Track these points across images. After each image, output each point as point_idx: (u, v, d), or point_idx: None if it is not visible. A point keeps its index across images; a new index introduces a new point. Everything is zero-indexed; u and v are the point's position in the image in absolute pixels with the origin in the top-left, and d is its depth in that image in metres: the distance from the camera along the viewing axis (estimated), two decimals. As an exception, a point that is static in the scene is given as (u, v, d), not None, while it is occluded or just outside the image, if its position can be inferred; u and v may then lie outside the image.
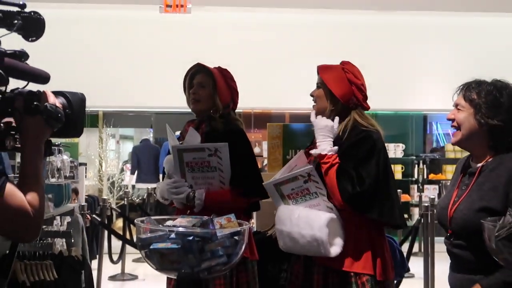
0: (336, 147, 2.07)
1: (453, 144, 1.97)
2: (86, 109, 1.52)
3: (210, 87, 2.48)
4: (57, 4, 6.32)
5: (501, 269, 1.73)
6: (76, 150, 6.54)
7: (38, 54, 1.54)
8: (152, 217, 1.67)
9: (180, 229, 1.53)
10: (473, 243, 1.80)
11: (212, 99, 2.48)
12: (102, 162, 6.85)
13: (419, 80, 7.45)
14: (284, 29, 7.14)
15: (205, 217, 1.61)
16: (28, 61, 1.43)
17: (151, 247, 1.50)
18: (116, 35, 7.07)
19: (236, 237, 1.53)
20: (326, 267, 2.16)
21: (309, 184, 2.12)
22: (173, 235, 1.49)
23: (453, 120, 1.90)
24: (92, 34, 7.00)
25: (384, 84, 6.68)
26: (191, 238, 1.48)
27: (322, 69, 2.26)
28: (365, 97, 2.27)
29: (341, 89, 2.19)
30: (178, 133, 2.63)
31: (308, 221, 2.02)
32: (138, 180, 7.81)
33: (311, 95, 2.29)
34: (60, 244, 2.42)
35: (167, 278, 2.43)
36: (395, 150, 7.40)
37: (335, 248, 2.06)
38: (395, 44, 7.23)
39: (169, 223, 1.65)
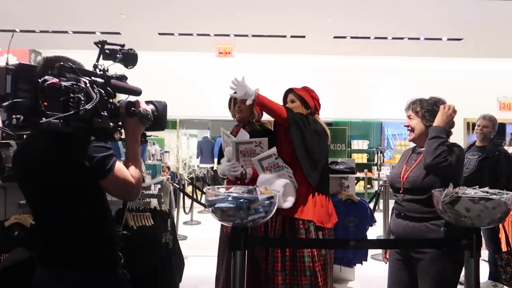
0: None
1: (410, 140, 2.48)
2: (169, 117, 1.85)
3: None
4: (147, 52, 8.26)
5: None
6: (163, 143, 8.19)
7: (135, 79, 1.75)
8: (215, 187, 1.88)
9: (234, 194, 1.75)
10: (419, 197, 2.29)
11: (250, 110, 3.11)
12: (178, 151, 9.27)
13: (378, 100, 9.97)
14: (282, 69, 9.58)
15: (250, 186, 1.86)
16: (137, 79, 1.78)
17: (216, 206, 1.74)
18: (189, 70, 9.82)
19: (271, 200, 1.78)
20: (284, 216, 2.79)
21: (278, 160, 2.79)
22: (230, 198, 1.73)
23: (408, 126, 2.44)
24: (175, 69, 9.76)
25: (356, 103, 9.87)
26: (241, 200, 1.71)
27: (297, 90, 2.95)
28: (320, 107, 2.99)
29: (310, 101, 2.91)
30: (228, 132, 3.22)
31: (274, 184, 2.65)
32: (201, 162, 10.62)
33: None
34: (154, 202, 2.79)
35: (221, 225, 3.01)
36: (362, 144, 10.39)
37: (287, 203, 2.69)
38: (364, 79, 9.86)
39: (222, 190, 1.86)
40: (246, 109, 3.11)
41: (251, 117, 3.15)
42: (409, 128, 2.46)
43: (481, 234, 3.85)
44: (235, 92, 2.74)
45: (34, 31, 7.78)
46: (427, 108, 2.39)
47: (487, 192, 1.83)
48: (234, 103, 3.18)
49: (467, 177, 4.01)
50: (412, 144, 2.56)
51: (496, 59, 9.43)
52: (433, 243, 2.25)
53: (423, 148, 2.36)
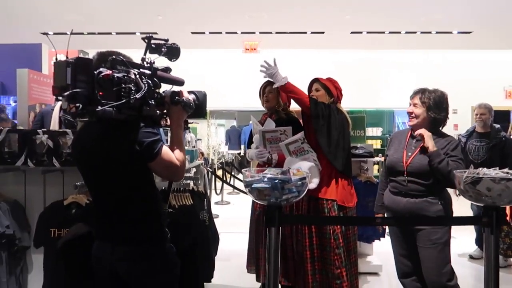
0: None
1: (410, 125, 2.45)
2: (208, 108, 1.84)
3: (275, 93, 3.07)
4: (184, 50, 7.70)
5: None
6: (196, 131, 8.43)
7: (179, 70, 1.77)
8: (252, 168, 1.87)
9: (270, 175, 1.73)
10: (422, 180, 2.34)
11: (276, 100, 3.07)
12: (209, 138, 9.08)
13: (391, 90, 9.61)
14: (304, 62, 9.11)
15: (284, 169, 1.81)
16: (172, 73, 1.65)
17: (253, 186, 1.72)
18: (218, 65, 9.66)
19: (303, 181, 1.76)
20: (309, 196, 2.72)
21: (304, 145, 2.73)
22: (266, 179, 1.70)
23: (411, 113, 2.41)
24: (205, 64, 9.62)
25: (371, 93, 9.66)
26: (276, 181, 1.69)
27: (322, 79, 2.87)
28: (342, 96, 2.91)
29: (333, 90, 2.83)
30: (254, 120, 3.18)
31: (300, 166, 2.53)
32: (229, 148, 10.54)
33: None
34: (192, 184, 2.80)
35: (252, 202, 3.08)
36: (376, 131, 10.03)
37: (312, 185, 2.61)
38: (378, 71, 9.62)
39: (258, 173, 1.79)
40: (273, 99, 3.10)
41: (277, 106, 3.11)
42: (413, 114, 2.44)
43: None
44: (264, 72, 2.70)
45: (82, 33, 7.88)
46: (434, 101, 2.39)
47: (507, 173, 1.74)
48: (263, 92, 3.15)
49: (480, 163, 4.00)
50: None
51: (502, 50, 9.07)
52: (455, 220, 2.20)
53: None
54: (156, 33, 8.04)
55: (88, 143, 1.57)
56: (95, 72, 1.38)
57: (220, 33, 7.96)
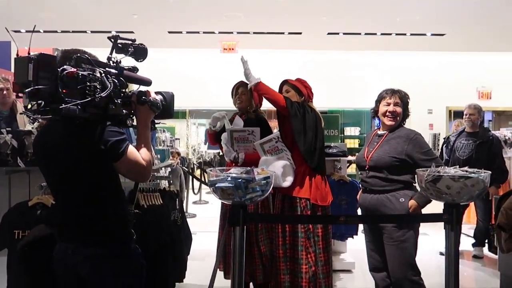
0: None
1: (390, 125, 2.57)
2: (179, 107, 1.84)
3: (248, 94, 3.12)
4: (158, 49, 8.40)
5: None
6: (174, 131, 8.39)
7: (156, 70, 1.75)
8: (217, 168, 1.87)
9: (233, 174, 1.75)
10: (381, 174, 2.45)
11: (249, 101, 3.13)
12: (188, 138, 9.04)
13: (368, 91, 9.16)
14: (281, 63, 9.23)
15: (248, 168, 1.85)
16: (150, 73, 1.70)
17: (216, 185, 1.74)
18: (196, 65, 9.65)
19: (267, 180, 1.78)
20: (283, 194, 2.77)
21: (278, 144, 2.78)
22: (229, 178, 1.72)
23: (394, 111, 2.53)
24: (184, 64, 9.64)
25: (348, 93, 9.71)
26: (240, 180, 1.71)
27: (291, 81, 2.90)
28: (312, 95, 2.92)
29: (303, 90, 2.85)
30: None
31: (274, 165, 2.61)
32: (208, 148, 9.87)
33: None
34: (165, 183, 2.77)
35: (221, 204, 3.06)
36: (354, 130, 10.29)
37: (286, 183, 2.66)
38: (355, 72, 9.68)
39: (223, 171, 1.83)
40: (246, 100, 3.16)
41: (249, 108, 3.18)
42: (395, 113, 2.55)
43: (476, 209, 3.97)
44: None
45: (56, 31, 7.72)
46: (405, 99, 2.58)
47: (466, 171, 1.81)
48: (236, 93, 3.20)
49: (466, 159, 4.17)
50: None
51: (475, 52, 9.35)
52: (416, 218, 2.28)
53: (384, 131, 2.60)
54: (132, 32, 7.91)
55: (51, 142, 1.54)
56: (58, 69, 1.36)
57: (198, 32, 7.94)
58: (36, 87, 1.30)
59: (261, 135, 2.95)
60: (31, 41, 1.50)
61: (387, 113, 2.56)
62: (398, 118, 2.55)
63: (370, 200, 2.51)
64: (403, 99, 2.57)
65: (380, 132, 2.63)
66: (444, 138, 4.89)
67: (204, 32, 7.94)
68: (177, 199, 2.80)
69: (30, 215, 2.24)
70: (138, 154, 1.56)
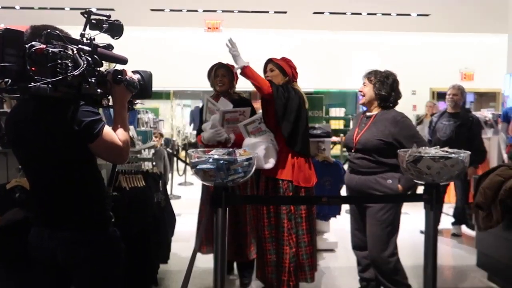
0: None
1: (360, 104, 2.64)
2: (163, 88, 1.75)
3: (229, 76, 3.06)
4: (141, 27, 8.35)
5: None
6: (158, 112, 7.97)
7: (138, 49, 1.67)
8: (199, 149, 1.85)
9: (215, 156, 1.72)
10: (369, 156, 2.46)
11: (231, 83, 3.08)
12: (173, 119, 9.25)
13: (353, 71, 9.33)
14: (266, 43, 9.12)
15: (230, 149, 1.83)
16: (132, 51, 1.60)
17: (198, 167, 1.71)
18: (180, 45, 9.52)
19: (249, 161, 1.77)
20: (267, 176, 2.78)
21: (261, 125, 2.77)
22: (211, 160, 1.70)
23: (361, 91, 2.57)
24: (168, 43, 9.49)
25: (333, 74, 9.76)
26: (222, 162, 1.69)
27: (275, 60, 2.85)
28: (297, 75, 2.88)
29: (288, 69, 2.81)
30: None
31: (256, 146, 2.59)
32: (193, 129, 9.86)
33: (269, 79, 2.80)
34: (148, 165, 2.73)
35: (202, 185, 3.05)
36: (339, 112, 10.29)
37: (269, 165, 2.65)
38: (341, 52, 9.75)
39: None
40: (227, 82, 3.10)
41: (229, 90, 3.13)
42: (362, 93, 2.61)
43: (455, 189, 4.02)
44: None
45: (33, 8, 7.44)
46: (379, 79, 2.54)
47: (446, 152, 1.82)
48: (215, 74, 3.12)
49: (446, 140, 4.17)
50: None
51: (458, 33, 9.40)
52: (397, 198, 2.30)
53: (372, 113, 2.59)
54: (112, 10, 7.71)
55: (22, 122, 1.48)
56: (26, 46, 1.29)
57: (181, 10, 7.74)
58: (2, 64, 1.23)
59: (251, 115, 2.92)
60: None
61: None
62: (365, 97, 2.58)
63: (358, 181, 2.53)
64: (371, 78, 2.57)
65: (368, 113, 2.64)
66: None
67: (187, 10, 7.75)
68: (160, 181, 2.77)
69: (8, 198, 2.19)
70: (115, 135, 1.50)
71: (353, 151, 2.54)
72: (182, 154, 8.29)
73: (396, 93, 2.58)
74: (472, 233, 4.43)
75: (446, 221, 4.80)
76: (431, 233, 1.80)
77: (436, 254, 1.79)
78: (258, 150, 2.60)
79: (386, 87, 2.53)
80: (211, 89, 3.25)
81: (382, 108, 2.57)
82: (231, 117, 2.93)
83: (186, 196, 6.70)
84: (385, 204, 2.45)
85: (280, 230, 2.74)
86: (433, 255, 1.78)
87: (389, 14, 7.94)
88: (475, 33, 9.30)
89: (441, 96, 9.87)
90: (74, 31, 1.56)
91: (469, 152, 1.80)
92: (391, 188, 2.44)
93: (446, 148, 1.86)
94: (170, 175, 6.50)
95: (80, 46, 1.46)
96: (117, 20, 1.63)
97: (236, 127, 2.88)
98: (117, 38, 1.63)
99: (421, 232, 4.54)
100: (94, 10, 1.59)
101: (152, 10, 7.68)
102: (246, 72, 2.62)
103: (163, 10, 7.70)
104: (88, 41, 1.51)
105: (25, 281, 1.66)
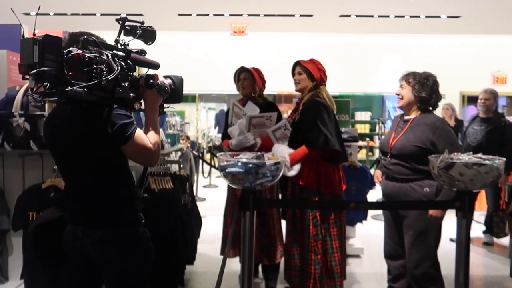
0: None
1: (398, 107, 2.49)
2: (189, 91, 1.78)
3: (250, 80, 3.08)
4: (168, 32, 8.43)
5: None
6: (184, 115, 8.31)
7: (158, 57, 1.74)
8: (227, 153, 1.84)
9: (244, 159, 1.72)
10: (404, 162, 2.35)
11: (252, 87, 3.08)
12: (198, 122, 9.22)
13: (380, 75, 9.70)
14: (292, 46, 9.31)
15: (259, 153, 1.80)
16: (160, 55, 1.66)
17: (227, 170, 1.71)
18: (206, 48, 9.62)
19: (277, 165, 1.74)
20: (293, 182, 2.72)
21: (287, 131, 2.74)
22: (240, 163, 1.69)
23: (399, 94, 2.44)
24: (194, 47, 9.63)
25: (360, 77, 9.61)
26: (250, 165, 1.68)
27: (303, 62, 2.77)
28: (326, 78, 2.80)
29: (316, 73, 2.73)
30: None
31: (283, 152, 2.54)
32: (218, 132, 10.29)
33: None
34: (175, 167, 2.77)
35: (228, 188, 3.11)
36: (365, 115, 10.17)
37: (292, 172, 2.60)
38: (367, 55, 9.59)
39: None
40: (249, 86, 3.13)
41: (253, 93, 3.15)
42: (400, 96, 2.48)
43: (486, 196, 3.86)
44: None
45: (66, 14, 7.69)
46: (418, 80, 2.41)
47: (480, 158, 1.76)
48: (238, 78, 3.17)
49: (476, 146, 4.07)
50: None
51: (490, 35, 9.10)
52: (427, 205, 2.24)
53: (410, 116, 2.46)
54: (141, 15, 7.87)
55: (59, 125, 1.54)
56: (64, 51, 1.34)
57: (207, 15, 7.84)
58: (42, 69, 1.28)
59: (276, 120, 2.92)
60: (35, 22, 1.48)
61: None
62: (403, 100, 2.45)
63: (392, 188, 2.42)
64: (409, 80, 2.42)
65: (406, 117, 2.50)
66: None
67: (214, 15, 7.84)
68: (187, 183, 2.81)
69: (44, 197, 2.28)
70: (146, 138, 1.54)
71: (388, 156, 2.43)
72: (207, 156, 8.36)
73: (436, 95, 2.43)
74: (505, 242, 4.28)
75: (477, 229, 4.66)
76: (463, 242, 1.74)
77: (468, 263, 1.74)
78: (285, 155, 2.59)
79: (426, 88, 2.40)
80: (236, 92, 3.28)
81: (421, 111, 2.43)
82: (258, 122, 2.92)
83: (210, 198, 6.76)
84: (421, 213, 2.32)
85: (306, 236, 2.71)
86: (465, 264, 1.73)
87: (418, 17, 7.78)
88: (507, 35, 8.98)
89: (471, 100, 9.58)
90: (105, 36, 1.61)
91: (504, 159, 1.74)
92: (428, 197, 2.31)
93: (479, 155, 1.80)
94: (195, 177, 6.58)
95: (114, 51, 1.51)
96: (150, 26, 1.68)
97: (262, 131, 2.88)
98: (149, 44, 1.69)
99: (451, 240, 4.41)
100: (123, 15, 1.63)
101: (180, 14, 7.82)
102: (294, 163, 2.61)
103: (190, 14, 7.82)
104: (122, 47, 1.56)
105: (60, 277, 1.72)
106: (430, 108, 2.45)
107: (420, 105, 2.42)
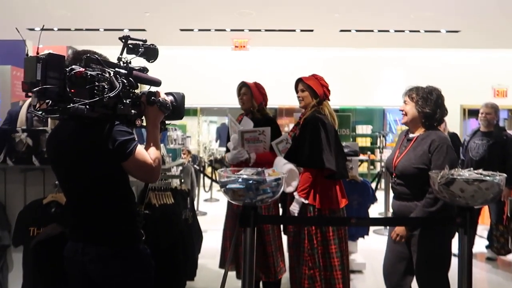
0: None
1: (402, 123, 2.41)
2: (190, 105, 1.81)
3: (249, 95, 3.12)
4: (170, 46, 8.53)
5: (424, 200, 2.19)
6: (185, 129, 8.23)
7: (159, 71, 1.77)
8: (227, 169, 1.86)
9: (244, 176, 1.71)
10: (408, 183, 2.27)
11: (251, 102, 3.12)
12: (199, 135, 9.27)
13: (381, 88, 9.77)
14: (292, 60, 9.41)
15: (259, 169, 1.79)
16: (153, 74, 1.59)
17: (227, 186, 1.71)
18: (208, 63, 9.72)
19: (278, 181, 1.74)
20: (292, 197, 2.72)
21: (288, 145, 2.77)
22: (240, 179, 1.69)
23: (403, 110, 2.36)
24: (196, 61, 9.69)
25: (360, 91, 9.70)
26: (251, 181, 1.68)
27: (305, 79, 2.79)
28: (329, 93, 2.83)
29: (319, 89, 2.75)
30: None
31: (282, 168, 2.53)
32: (219, 146, 10.48)
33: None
34: (176, 182, 2.77)
35: (228, 203, 3.12)
36: (366, 129, 10.18)
37: (290, 188, 2.60)
38: (368, 69, 9.67)
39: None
40: (248, 100, 3.18)
41: (251, 108, 3.18)
42: (403, 112, 2.40)
43: (489, 210, 3.78)
44: None
45: (69, 29, 7.79)
46: (421, 95, 2.32)
47: (481, 174, 1.76)
48: (238, 93, 3.23)
49: (478, 160, 4.06)
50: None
51: (490, 49, 9.16)
52: (428, 222, 2.21)
53: (414, 135, 2.37)
54: (144, 30, 7.94)
55: (61, 141, 1.55)
56: (66, 69, 1.37)
57: (209, 30, 7.94)
58: (44, 86, 1.30)
59: (271, 134, 2.94)
60: (39, 39, 1.51)
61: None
62: (407, 116, 2.36)
63: (399, 206, 2.34)
64: (413, 95, 2.32)
65: (410, 135, 2.40)
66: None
67: (215, 30, 7.94)
68: (188, 198, 2.81)
69: (45, 213, 2.28)
70: (147, 154, 1.55)
71: (394, 176, 2.35)
72: (208, 170, 8.36)
73: (442, 110, 2.32)
74: (509, 257, 4.24)
75: (480, 244, 4.62)
76: (466, 259, 1.73)
77: (471, 280, 1.72)
78: (284, 171, 2.59)
79: (430, 104, 2.29)
80: (238, 106, 3.33)
81: (426, 128, 2.33)
82: (251, 137, 2.96)
83: (212, 212, 6.73)
84: (429, 232, 2.26)
85: (301, 250, 2.70)
86: (468, 281, 1.71)
87: (418, 31, 7.85)
88: (508, 49, 9.04)
89: (472, 113, 9.60)
90: (108, 51, 1.63)
91: (504, 175, 1.73)
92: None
93: (480, 170, 1.80)
94: (196, 191, 6.58)
95: (116, 69, 1.54)
96: (152, 44, 1.71)
97: (258, 146, 2.91)
98: (152, 61, 1.71)
99: (454, 255, 4.36)
100: (126, 31, 1.66)
101: (182, 30, 7.92)
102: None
103: (192, 30, 7.93)
104: (125, 64, 1.59)
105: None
106: (436, 124, 2.35)
107: (424, 121, 2.32)
